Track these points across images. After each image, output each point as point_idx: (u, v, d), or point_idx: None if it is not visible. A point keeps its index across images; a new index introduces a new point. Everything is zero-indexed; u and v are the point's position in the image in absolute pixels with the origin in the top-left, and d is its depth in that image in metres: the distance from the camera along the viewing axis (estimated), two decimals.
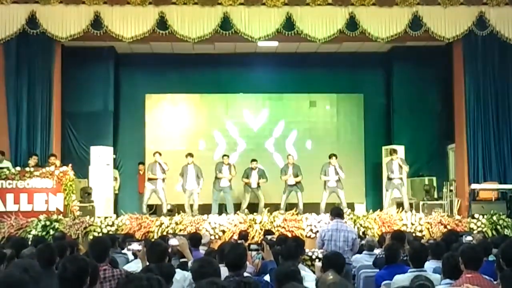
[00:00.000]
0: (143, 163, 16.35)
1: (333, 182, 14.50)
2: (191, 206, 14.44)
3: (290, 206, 14.49)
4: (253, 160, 15.20)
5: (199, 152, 16.52)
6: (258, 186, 15.07)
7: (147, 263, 5.92)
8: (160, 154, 14.61)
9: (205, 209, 14.37)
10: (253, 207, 14.79)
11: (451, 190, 14.79)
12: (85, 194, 13.95)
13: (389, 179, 14.51)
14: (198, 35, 14.32)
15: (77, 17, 14.18)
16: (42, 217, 12.64)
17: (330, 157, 14.62)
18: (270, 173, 15.38)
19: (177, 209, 14.35)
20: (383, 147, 16.79)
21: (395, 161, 14.47)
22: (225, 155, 15.20)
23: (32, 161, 13.80)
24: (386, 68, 17.70)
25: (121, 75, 17.40)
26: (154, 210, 15.52)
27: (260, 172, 15.17)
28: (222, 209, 14.62)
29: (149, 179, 14.60)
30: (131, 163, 16.85)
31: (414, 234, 12.29)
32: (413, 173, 15.87)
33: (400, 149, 15.79)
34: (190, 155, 14.72)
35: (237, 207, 14.66)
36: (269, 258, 6.42)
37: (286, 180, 14.85)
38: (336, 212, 9.52)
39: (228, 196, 14.75)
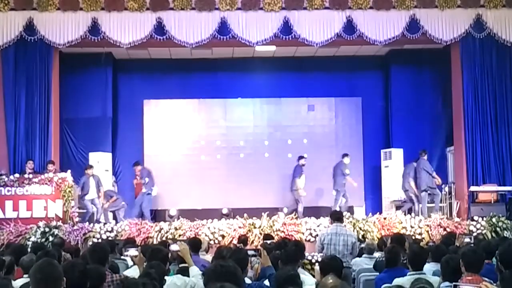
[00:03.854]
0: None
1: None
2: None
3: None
4: (301, 157, 15.35)
5: (197, 157, 16.49)
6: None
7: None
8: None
9: (209, 214, 14.41)
10: (254, 212, 14.77)
11: (450, 193, 14.78)
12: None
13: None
14: (196, 40, 14.34)
15: (74, 23, 14.18)
16: (41, 223, 12.64)
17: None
18: (267, 177, 15.35)
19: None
20: (382, 150, 16.78)
21: None
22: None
23: (29, 165, 13.79)
24: (384, 71, 17.70)
25: (119, 81, 17.39)
26: (154, 215, 15.48)
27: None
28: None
29: None
30: (130, 169, 16.80)
31: (413, 237, 12.30)
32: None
33: (399, 152, 15.78)
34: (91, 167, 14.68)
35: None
36: (267, 263, 6.35)
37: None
38: (335, 216, 9.53)
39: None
